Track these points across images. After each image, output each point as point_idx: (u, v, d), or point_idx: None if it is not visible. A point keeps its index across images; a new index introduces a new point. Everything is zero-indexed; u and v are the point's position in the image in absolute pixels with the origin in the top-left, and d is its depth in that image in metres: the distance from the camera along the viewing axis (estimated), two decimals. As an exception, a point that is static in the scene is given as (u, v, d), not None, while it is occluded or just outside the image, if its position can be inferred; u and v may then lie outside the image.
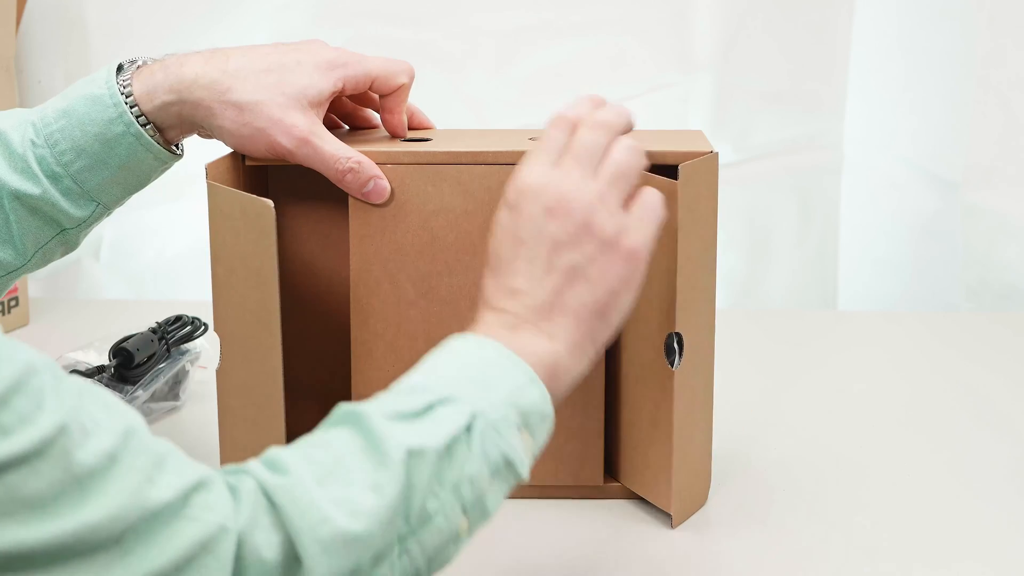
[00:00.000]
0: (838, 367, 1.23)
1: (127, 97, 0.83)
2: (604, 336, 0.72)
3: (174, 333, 1.12)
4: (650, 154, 0.85)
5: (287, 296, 0.87)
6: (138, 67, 0.85)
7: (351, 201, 0.85)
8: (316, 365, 0.95)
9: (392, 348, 0.87)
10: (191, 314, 1.15)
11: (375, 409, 0.64)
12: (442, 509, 0.62)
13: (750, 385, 1.11)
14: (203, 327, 1.15)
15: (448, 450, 0.63)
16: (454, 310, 0.86)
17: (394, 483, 0.60)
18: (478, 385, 0.66)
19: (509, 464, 0.65)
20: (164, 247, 1.63)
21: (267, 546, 0.57)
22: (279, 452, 0.61)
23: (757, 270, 1.61)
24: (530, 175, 0.72)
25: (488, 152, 0.85)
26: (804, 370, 1.21)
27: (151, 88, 0.83)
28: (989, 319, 1.44)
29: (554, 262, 0.70)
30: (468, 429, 0.64)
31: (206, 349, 1.14)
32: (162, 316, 1.14)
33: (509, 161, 0.84)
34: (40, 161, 0.84)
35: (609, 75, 1.56)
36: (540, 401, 0.67)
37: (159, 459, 0.55)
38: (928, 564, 0.82)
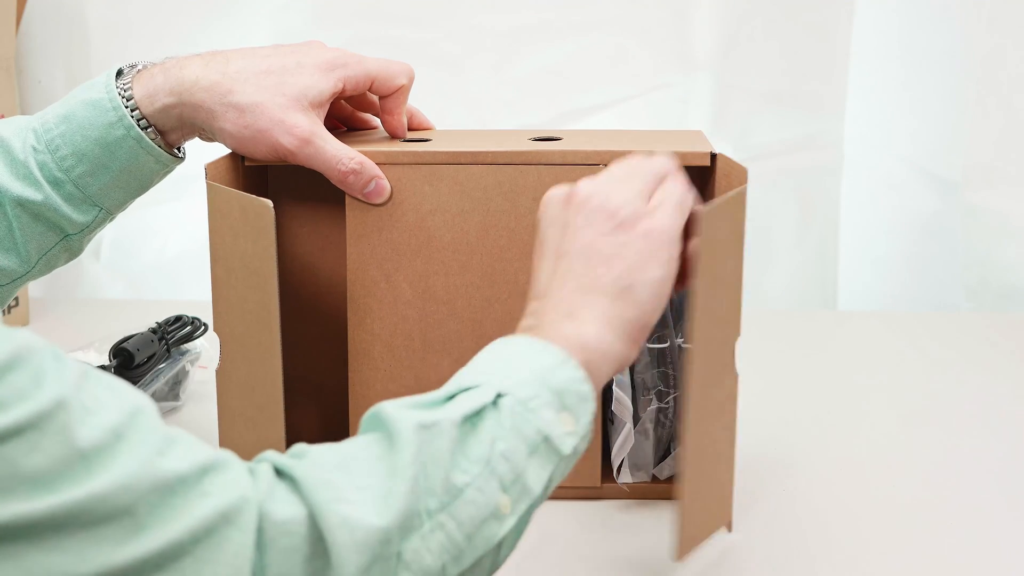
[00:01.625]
0: (838, 367, 1.23)
1: (127, 101, 0.83)
2: (636, 314, 0.70)
3: (174, 333, 1.12)
4: (649, 154, 0.85)
5: (286, 296, 0.87)
6: (138, 71, 0.85)
7: (348, 201, 0.86)
8: (316, 365, 0.96)
9: (389, 348, 0.87)
10: (191, 314, 1.15)
11: (394, 403, 0.64)
12: (473, 483, 0.61)
13: (749, 385, 1.11)
14: (203, 327, 1.15)
15: (471, 424, 0.62)
16: (451, 309, 0.86)
17: (404, 456, 0.59)
18: (503, 370, 0.66)
19: (547, 440, 0.64)
20: (164, 247, 1.63)
21: (292, 519, 0.56)
22: (300, 445, 0.62)
23: (757, 270, 1.61)
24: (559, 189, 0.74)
25: (485, 152, 0.85)
26: (804, 370, 1.21)
27: (151, 91, 0.84)
28: (989, 319, 1.44)
29: (564, 246, 0.71)
30: (495, 405, 0.63)
31: (206, 349, 1.14)
32: (162, 316, 1.14)
33: (506, 161, 0.85)
34: (42, 167, 0.84)
35: (609, 75, 1.56)
36: (574, 380, 0.66)
37: (170, 438, 0.54)
38: (926, 564, 0.82)
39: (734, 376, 0.82)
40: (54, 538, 0.49)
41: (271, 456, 0.60)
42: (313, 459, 0.59)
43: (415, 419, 0.61)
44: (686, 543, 0.78)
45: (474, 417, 0.63)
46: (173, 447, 0.54)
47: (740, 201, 0.78)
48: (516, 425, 0.63)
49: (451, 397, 0.64)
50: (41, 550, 0.49)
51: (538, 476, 0.64)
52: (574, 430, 0.66)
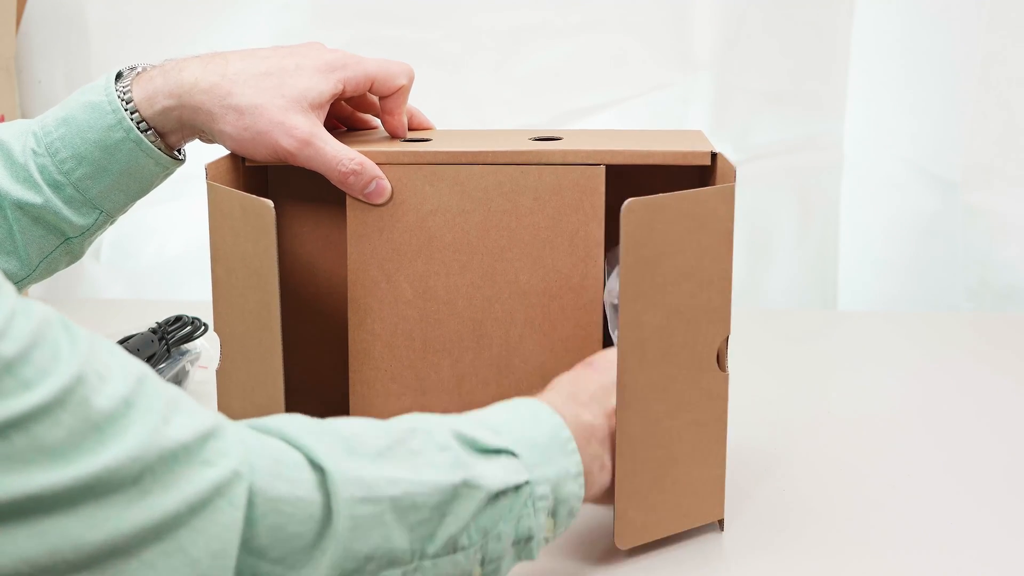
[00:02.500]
0: (838, 367, 1.23)
1: (127, 103, 0.83)
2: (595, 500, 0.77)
3: (174, 333, 1.12)
4: (649, 154, 0.85)
5: (287, 296, 0.87)
6: (137, 73, 0.85)
7: (348, 201, 0.85)
8: (316, 365, 0.96)
9: (389, 347, 0.87)
10: (191, 314, 1.15)
11: (449, 422, 0.67)
12: (467, 549, 0.65)
13: (749, 384, 1.12)
14: (203, 327, 1.15)
15: (496, 499, 0.66)
16: (451, 309, 0.86)
17: (438, 496, 0.63)
18: (538, 455, 0.69)
19: (528, 541, 0.68)
20: (164, 247, 1.64)
21: (288, 499, 0.58)
22: (340, 420, 0.64)
23: (757, 270, 1.61)
24: None
25: (485, 152, 0.85)
26: (804, 370, 1.21)
27: (151, 93, 0.84)
28: (989, 319, 1.44)
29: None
30: (517, 490, 0.67)
31: (206, 349, 1.14)
32: (162, 316, 1.14)
33: (506, 161, 0.84)
34: (41, 170, 0.84)
35: (609, 75, 1.56)
36: (575, 498, 0.71)
37: (173, 402, 0.55)
38: (925, 565, 0.82)
39: (717, 374, 0.81)
40: (69, 507, 0.50)
41: (287, 430, 0.61)
42: (338, 439, 0.61)
43: (467, 470, 0.64)
44: (628, 531, 0.79)
45: (500, 494, 0.66)
46: (176, 413, 0.55)
47: (722, 197, 0.78)
48: (520, 516, 0.67)
49: (497, 452, 0.67)
50: (56, 518, 0.50)
51: (509, 565, 0.68)
52: (548, 536, 0.70)
